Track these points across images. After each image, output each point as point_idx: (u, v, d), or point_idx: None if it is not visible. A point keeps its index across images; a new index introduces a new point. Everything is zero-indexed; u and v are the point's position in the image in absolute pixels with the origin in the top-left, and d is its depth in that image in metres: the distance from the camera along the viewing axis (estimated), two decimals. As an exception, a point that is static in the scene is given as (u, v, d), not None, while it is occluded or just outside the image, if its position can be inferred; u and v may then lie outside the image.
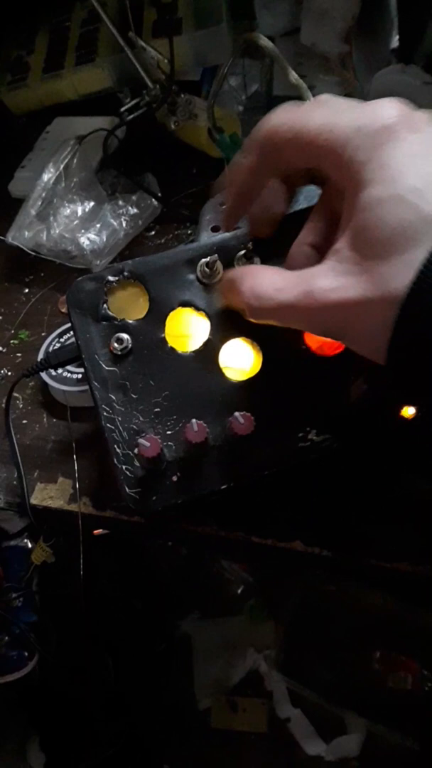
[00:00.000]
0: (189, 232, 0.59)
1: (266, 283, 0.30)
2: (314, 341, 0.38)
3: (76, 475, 0.45)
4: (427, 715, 1.00)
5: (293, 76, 0.46)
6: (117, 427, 0.36)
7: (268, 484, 0.37)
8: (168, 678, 1.11)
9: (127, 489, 0.36)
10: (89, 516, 0.44)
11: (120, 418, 0.36)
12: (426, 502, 0.42)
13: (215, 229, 0.49)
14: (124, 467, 0.36)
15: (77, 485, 0.45)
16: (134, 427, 0.36)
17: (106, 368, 0.37)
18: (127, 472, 0.36)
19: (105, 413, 0.37)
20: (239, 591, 1.16)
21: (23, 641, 0.75)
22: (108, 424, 0.36)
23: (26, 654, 0.76)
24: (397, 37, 0.60)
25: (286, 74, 0.46)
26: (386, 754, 1.01)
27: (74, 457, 0.46)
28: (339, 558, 0.41)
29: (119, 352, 0.37)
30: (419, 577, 0.40)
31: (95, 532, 0.47)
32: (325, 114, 0.29)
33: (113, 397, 0.37)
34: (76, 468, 0.45)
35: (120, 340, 0.37)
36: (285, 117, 0.30)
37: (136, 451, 0.35)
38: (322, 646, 1.08)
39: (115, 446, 0.36)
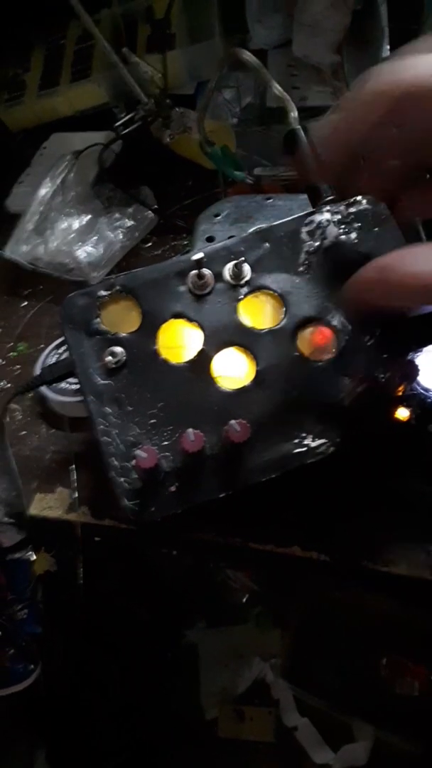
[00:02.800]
0: (185, 242, 0.60)
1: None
2: (306, 347, 0.39)
3: (75, 484, 0.46)
4: (435, 721, 1.00)
5: (277, 89, 0.47)
6: (113, 440, 0.37)
7: (267, 490, 0.38)
8: (174, 688, 1.11)
9: (125, 501, 0.36)
10: (88, 525, 0.45)
11: (116, 431, 0.37)
12: (423, 505, 0.42)
13: (210, 240, 0.50)
14: (121, 479, 0.36)
15: (76, 495, 0.45)
16: (131, 439, 0.37)
17: (101, 382, 0.38)
18: (125, 484, 0.36)
19: (101, 426, 0.37)
20: (244, 599, 1.16)
21: (28, 654, 0.75)
22: (104, 437, 0.37)
23: (32, 667, 0.76)
24: (388, 46, 0.61)
25: (270, 87, 0.46)
26: (394, 761, 1.01)
27: (73, 466, 0.46)
28: (337, 562, 0.41)
29: (113, 366, 0.38)
30: (415, 579, 0.40)
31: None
32: None
33: (109, 410, 0.37)
34: (74, 478, 0.46)
35: (113, 354, 0.38)
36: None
37: (133, 462, 0.35)
38: (328, 653, 1.08)
39: (112, 459, 0.36)
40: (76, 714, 0.99)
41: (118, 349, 0.38)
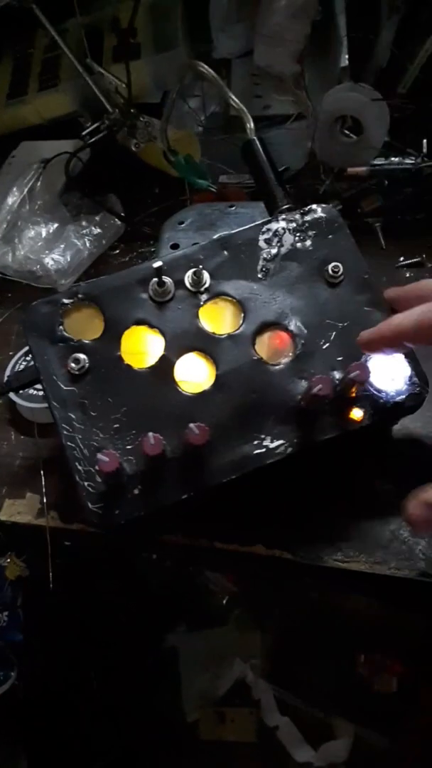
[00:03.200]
0: (152, 249, 0.61)
1: None
2: (265, 351, 0.40)
3: (44, 489, 0.46)
4: (412, 716, 1.01)
5: (234, 100, 0.48)
6: (77, 445, 0.37)
7: (231, 490, 0.39)
8: (155, 691, 1.11)
9: (89, 505, 0.37)
10: (57, 529, 0.45)
11: (80, 436, 0.38)
12: (384, 502, 0.43)
13: (174, 247, 0.51)
14: (86, 483, 0.37)
15: (45, 500, 0.46)
16: (94, 443, 0.37)
17: (65, 388, 0.38)
18: (90, 488, 0.37)
19: (65, 432, 0.38)
20: (224, 601, 1.16)
21: (5, 660, 0.75)
22: (68, 443, 0.37)
23: (12, 674, 0.76)
24: (347, 55, 0.62)
25: (226, 99, 0.48)
26: (374, 757, 1.02)
27: (41, 472, 0.47)
28: (299, 559, 0.42)
29: (77, 372, 0.38)
30: (376, 575, 0.41)
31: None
32: None
33: (72, 416, 0.38)
34: (43, 483, 0.46)
35: (77, 360, 0.38)
36: None
37: (97, 467, 0.36)
38: (308, 652, 1.09)
39: (77, 463, 0.37)
40: (57, 720, 0.99)
41: (82, 356, 0.39)
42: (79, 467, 0.37)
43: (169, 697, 1.10)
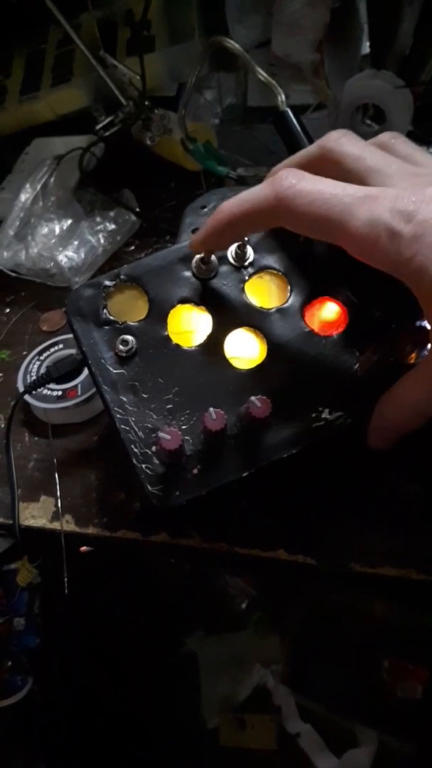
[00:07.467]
0: (169, 245, 0.59)
1: None
2: (315, 323, 0.38)
3: (58, 492, 0.45)
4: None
5: (262, 75, 0.46)
6: (132, 428, 0.36)
7: (288, 469, 0.37)
8: (175, 697, 1.09)
9: (149, 487, 0.35)
10: (72, 534, 0.44)
11: (134, 419, 0.36)
12: (410, 504, 0.41)
13: (195, 232, 0.49)
14: (143, 466, 0.36)
15: (59, 503, 0.45)
16: (149, 425, 0.36)
17: (114, 371, 0.37)
18: (148, 471, 0.36)
19: (118, 415, 0.36)
20: (244, 605, 1.15)
21: (23, 666, 0.74)
22: (123, 426, 0.36)
23: (30, 680, 0.75)
24: (368, 42, 0.60)
25: (255, 74, 0.46)
26: (398, 765, 1.00)
27: (56, 474, 0.46)
28: (323, 565, 0.41)
29: (125, 354, 0.37)
30: (403, 580, 0.39)
31: (81, 549, 0.47)
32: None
33: (124, 399, 0.37)
34: (57, 486, 0.45)
35: (125, 342, 0.37)
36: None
37: (153, 448, 0.35)
38: (329, 657, 1.07)
39: (132, 446, 0.36)
40: (76, 726, 0.98)
41: (129, 338, 0.37)
42: (135, 450, 0.36)
43: (188, 703, 1.09)
